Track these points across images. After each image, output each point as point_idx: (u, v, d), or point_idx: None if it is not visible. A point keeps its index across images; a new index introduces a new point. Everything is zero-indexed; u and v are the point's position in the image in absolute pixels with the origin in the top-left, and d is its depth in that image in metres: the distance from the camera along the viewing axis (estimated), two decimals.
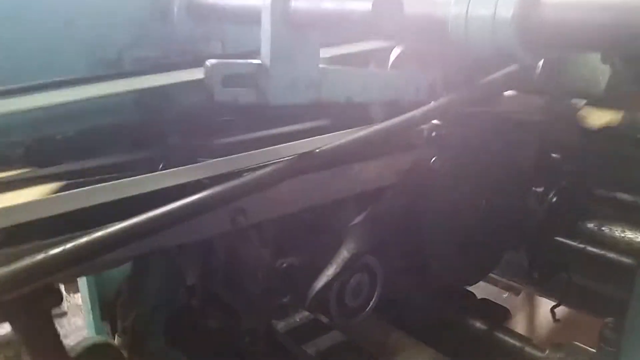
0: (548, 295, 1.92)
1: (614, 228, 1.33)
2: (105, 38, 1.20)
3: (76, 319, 3.19)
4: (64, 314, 3.18)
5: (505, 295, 2.96)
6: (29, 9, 1.13)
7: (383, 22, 0.78)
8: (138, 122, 1.21)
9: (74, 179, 0.99)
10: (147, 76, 1.08)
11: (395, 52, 1.24)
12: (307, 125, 1.36)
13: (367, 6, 0.78)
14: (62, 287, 3.28)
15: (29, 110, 0.99)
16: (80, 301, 2.79)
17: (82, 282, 2.39)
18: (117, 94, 1.05)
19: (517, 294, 2.62)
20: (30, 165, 1.07)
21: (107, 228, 0.77)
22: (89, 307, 2.40)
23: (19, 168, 1.07)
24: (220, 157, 1.11)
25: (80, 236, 0.75)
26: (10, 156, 1.09)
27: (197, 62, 0.95)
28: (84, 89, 1.03)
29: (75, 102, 1.03)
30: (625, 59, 1.23)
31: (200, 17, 1.21)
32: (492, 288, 2.88)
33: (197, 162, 1.07)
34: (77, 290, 2.72)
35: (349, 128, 1.19)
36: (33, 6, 1.13)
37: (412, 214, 1.37)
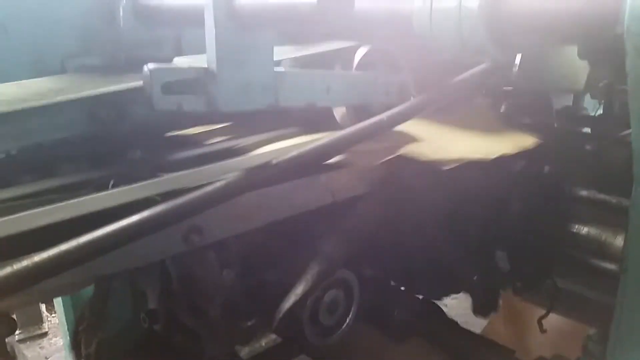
0: (533, 301, 1.85)
1: (597, 231, 1.26)
2: (46, 45, 1.11)
3: (57, 339, 3.10)
4: (44, 334, 3.11)
5: None
6: None
7: (330, 17, 0.70)
8: (87, 137, 1.12)
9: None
10: (96, 84, 0.99)
11: (361, 51, 1.17)
12: (273, 134, 1.29)
13: (313, 0, 0.70)
14: (43, 307, 3.23)
15: None
16: None
17: (57, 303, 2.31)
18: (62, 103, 0.96)
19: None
20: None
21: (47, 251, 0.70)
22: (66, 328, 2.33)
23: None
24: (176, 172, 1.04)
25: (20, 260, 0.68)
26: None
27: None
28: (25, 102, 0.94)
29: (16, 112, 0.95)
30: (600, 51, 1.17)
31: (147, 21, 1.13)
32: None
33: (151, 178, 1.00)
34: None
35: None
36: None
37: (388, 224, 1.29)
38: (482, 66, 1.10)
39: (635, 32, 0.75)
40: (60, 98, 0.90)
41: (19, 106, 0.95)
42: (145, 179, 0.98)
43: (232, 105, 0.88)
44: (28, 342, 3.03)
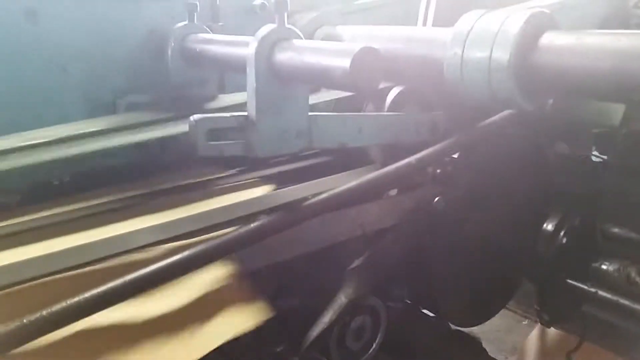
0: (565, 329, 1.84)
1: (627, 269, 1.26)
2: (99, 84, 1.20)
3: None
4: None
5: (524, 322, 2.88)
6: (24, 57, 1.15)
7: (360, 83, 0.75)
8: (135, 164, 1.20)
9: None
10: (145, 129, 1.08)
11: (394, 92, 1.21)
12: (306, 163, 1.34)
13: (346, 64, 0.75)
14: None
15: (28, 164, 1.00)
16: None
17: None
18: (116, 147, 1.05)
19: (536, 320, 2.53)
20: (28, 212, 1.09)
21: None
22: None
23: (17, 216, 1.08)
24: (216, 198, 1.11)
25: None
26: (8, 203, 1.10)
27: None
28: (83, 145, 1.03)
29: (74, 156, 1.04)
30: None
31: (193, 63, 1.21)
32: (510, 315, 2.81)
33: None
34: None
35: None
36: (28, 54, 1.15)
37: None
38: (511, 111, 1.12)
39: None
40: (110, 144, 0.98)
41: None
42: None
43: (268, 151, 0.94)
44: None
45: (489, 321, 2.31)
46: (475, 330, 1.66)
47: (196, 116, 0.86)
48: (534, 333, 2.53)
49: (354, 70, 0.75)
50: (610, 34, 0.89)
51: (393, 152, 1.22)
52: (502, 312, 2.33)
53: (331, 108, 1.27)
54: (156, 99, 1.23)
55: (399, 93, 1.20)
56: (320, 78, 0.80)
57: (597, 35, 0.90)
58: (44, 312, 0.73)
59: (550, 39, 0.94)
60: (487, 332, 3.13)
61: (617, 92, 0.87)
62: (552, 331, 2.33)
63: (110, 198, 1.05)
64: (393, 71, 1.24)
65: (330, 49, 0.81)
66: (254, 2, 1.42)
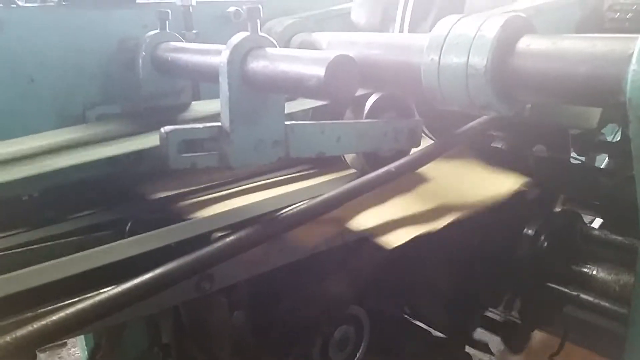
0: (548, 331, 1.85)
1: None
2: (69, 95, 1.17)
3: (75, 349, 3.18)
4: (63, 344, 3.18)
5: None
6: None
7: (335, 92, 0.73)
8: (107, 179, 1.17)
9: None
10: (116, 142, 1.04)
11: (372, 99, 1.19)
12: (286, 172, 1.32)
13: (320, 72, 0.73)
14: None
15: None
16: None
17: None
18: (87, 162, 1.01)
19: None
20: None
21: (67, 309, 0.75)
22: (84, 343, 2.40)
23: None
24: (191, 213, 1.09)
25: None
26: None
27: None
28: (52, 160, 1.00)
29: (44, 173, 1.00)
30: None
31: (165, 72, 1.18)
32: None
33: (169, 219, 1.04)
34: None
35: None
36: None
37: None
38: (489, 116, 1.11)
39: (637, 104, 0.76)
40: (81, 159, 0.95)
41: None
42: (162, 221, 1.02)
43: (243, 161, 0.92)
44: (47, 352, 3.11)
45: None
46: None
47: (167, 128, 0.84)
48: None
49: (328, 78, 0.73)
50: (586, 38, 0.89)
51: (373, 158, 1.21)
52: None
53: (309, 116, 1.25)
54: (127, 110, 1.20)
55: (377, 100, 1.19)
56: (294, 87, 0.78)
57: (573, 40, 0.89)
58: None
59: (527, 43, 0.93)
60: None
61: (593, 96, 0.86)
62: (535, 333, 2.34)
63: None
64: (371, 78, 1.22)
65: (304, 57, 0.79)
66: (228, 10, 1.40)
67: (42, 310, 0.80)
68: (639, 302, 0.93)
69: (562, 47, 0.89)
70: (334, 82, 0.74)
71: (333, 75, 0.74)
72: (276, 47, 0.91)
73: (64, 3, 1.21)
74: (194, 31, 1.32)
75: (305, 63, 0.78)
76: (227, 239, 0.90)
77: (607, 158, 2.14)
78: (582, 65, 0.85)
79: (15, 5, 1.15)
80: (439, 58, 1.00)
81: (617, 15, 1.20)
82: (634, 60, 0.76)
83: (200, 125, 0.88)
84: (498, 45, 0.92)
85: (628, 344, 0.96)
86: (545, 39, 0.93)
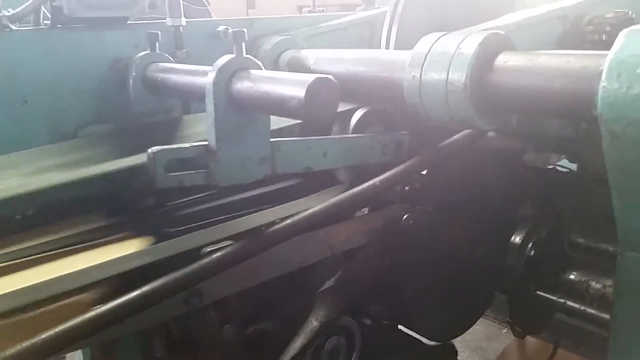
0: (542, 337, 1.86)
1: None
2: (62, 114, 1.20)
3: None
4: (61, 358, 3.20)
5: (504, 331, 2.90)
6: None
7: (316, 113, 0.76)
8: (102, 194, 1.19)
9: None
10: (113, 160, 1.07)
11: (358, 114, 1.22)
12: (273, 187, 1.34)
13: (301, 94, 0.76)
14: None
15: None
16: None
17: None
18: (79, 180, 1.04)
19: None
20: None
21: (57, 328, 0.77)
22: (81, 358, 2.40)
23: None
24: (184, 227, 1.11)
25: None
26: None
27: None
28: (46, 179, 1.02)
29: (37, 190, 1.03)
30: None
31: (155, 92, 1.21)
32: (491, 323, 2.83)
33: (160, 234, 1.06)
34: None
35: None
36: None
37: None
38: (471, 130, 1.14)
39: (608, 118, 0.79)
40: (74, 176, 0.98)
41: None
42: (152, 237, 1.05)
43: (230, 179, 0.94)
44: None
45: (471, 330, 2.32)
46: (457, 339, 1.67)
47: (154, 148, 0.86)
48: (513, 341, 2.55)
49: (308, 100, 0.76)
50: (561, 54, 0.92)
51: (360, 172, 1.24)
52: (484, 321, 2.35)
53: (297, 132, 1.28)
54: (119, 129, 1.23)
55: (363, 115, 1.21)
56: (276, 108, 0.81)
57: (548, 56, 0.92)
58: None
59: (505, 60, 0.96)
60: (470, 340, 3.16)
61: (568, 111, 0.89)
62: (530, 339, 2.35)
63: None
64: (357, 93, 1.25)
65: (286, 79, 0.82)
66: (218, 29, 1.43)
67: None
68: (619, 309, 0.95)
69: (538, 63, 0.92)
70: (314, 103, 0.76)
71: (313, 96, 0.77)
72: (261, 68, 0.93)
73: (59, 26, 1.24)
74: (184, 50, 1.35)
75: (286, 85, 0.81)
76: (215, 255, 0.93)
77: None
78: (557, 81, 0.88)
79: (8, 29, 1.18)
80: (420, 75, 1.03)
81: (596, 29, 1.23)
82: (603, 77, 0.79)
83: (187, 145, 0.91)
84: (476, 62, 0.95)
85: (610, 351, 0.98)
86: (522, 56, 0.96)
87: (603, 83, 0.78)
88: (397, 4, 1.35)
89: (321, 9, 2.85)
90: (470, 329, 2.15)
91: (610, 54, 0.79)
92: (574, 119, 1.10)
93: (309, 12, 2.44)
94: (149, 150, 0.86)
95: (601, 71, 0.80)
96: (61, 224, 1.08)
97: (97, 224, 1.12)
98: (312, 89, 0.77)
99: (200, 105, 1.33)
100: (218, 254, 0.94)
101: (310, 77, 0.78)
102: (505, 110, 0.98)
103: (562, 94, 0.87)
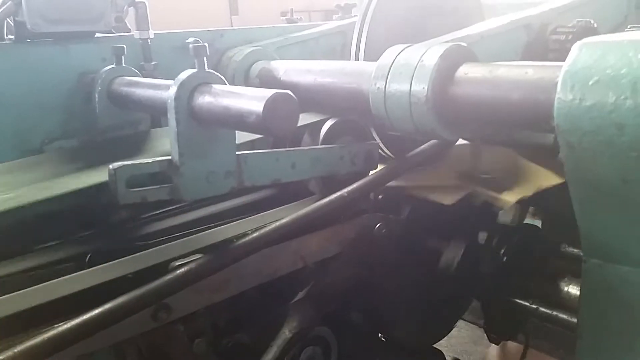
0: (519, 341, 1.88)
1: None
2: (28, 129, 1.19)
3: None
4: None
5: None
6: None
7: (275, 128, 0.76)
8: (72, 210, 1.18)
9: None
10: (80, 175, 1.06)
11: (327, 125, 1.23)
12: (248, 198, 1.35)
13: (259, 108, 0.76)
14: None
15: None
16: None
17: None
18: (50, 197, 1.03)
19: None
20: None
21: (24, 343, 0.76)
22: None
23: None
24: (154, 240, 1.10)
25: None
26: None
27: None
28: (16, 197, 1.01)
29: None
30: None
31: (120, 105, 1.20)
32: (475, 327, 2.85)
33: (129, 249, 1.06)
34: None
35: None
36: None
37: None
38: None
39: (564, 129, 0.80)
40: (42, 194, 0.97)
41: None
42: (121, 252, 1.04)
43: (194, 194, 0.94)
44: None
45: (456, 334, 2.33)
46: (442, 342, 1.68)
47: (115, 164, 0.86)
48: (495, 346, 2.57)
49: (266, 115, 0.76)
50: (519, 65, 0.93)
51: (331, 183, 1.24)
52: (469, 324, 2.36)
53: (269, 144, 1.28)
54: (86, 143, 1.22)
55: (332, 125, 1.22)
56: (236, 122, 0.81)
57: (507, 67, 0.94)
58: None
59: (465, 71, 0.98)
60: (455, 344, 3.18)
61: (527, 121, 0.90)
62: (512, 344, 2.37)
63: None
64: (325, 104, 1.26)
65: (246, 94, 0.82)
66: (187, 40, 1.43)
67: None
68: (585, 314, 0.96)
69: (497, 74, 0.93)
70: (273, 118, 0.77)
71: (271, 111, 0.77)
72: (225, 83, 0.94)
73: (28, 40, 1.23)
74: (153, 62, 1.35)
75: (246, 99, 0.81)
76: (182, 269, 0.92)
77: None
78: (515, 92, 0.89)
79: None
80: (385, 86, 1.04)
81: (559, 38, 1.26)
82: (558, 88, 0.80)
83: (149, 160, 0.90)
84: (438, 74, 0.97)
85: (578, 354, 0.99)
86: (482, 67, 0.97)
87: (558, 94, 0.80)
88: (365, 15, 1.36)
89: (299, 17, 2.86)
90: (456, 332, 2.17)
91: (565, 65, 0.80)
92: (533, 130, 1.12)
93: (287, 20, 2.45)
94: (110, 167, 0.86)
95: (557, 83, 0.81)
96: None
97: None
98: (270, 104, 0.77)
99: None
100: (186, 267, 0.94)
101: (268, 93, 0.78)
102: (467, 121, 0.99)
103: (521, 105, 0.88)
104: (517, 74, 0.91)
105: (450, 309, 1.57)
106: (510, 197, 1.22)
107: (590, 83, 0.77)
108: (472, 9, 1.58)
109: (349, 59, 1.41)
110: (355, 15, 2.04)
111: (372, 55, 1.40)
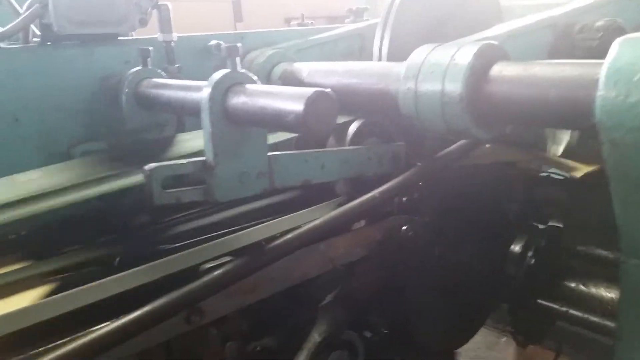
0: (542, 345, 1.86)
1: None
2: (53, 132, 1.18)
3: None
4: None
5: (503, 340, 2.89)
6: None
7: (315, 127, 0.75)
8: (96, 214, 1.17)
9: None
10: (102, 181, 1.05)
11: (354, 126, 1.22)
12: (271, 200, 1.33)
13: (299, 108, 0.75)
14: None
15: None
16: None
17: None
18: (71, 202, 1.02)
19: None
20: None
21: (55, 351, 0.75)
22: None
23: None
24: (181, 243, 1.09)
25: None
26: None
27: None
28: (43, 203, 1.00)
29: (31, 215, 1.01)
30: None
31: (148, 107, 1.19)
32: (489, 332, 2.83)
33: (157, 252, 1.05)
34: None
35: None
36: None
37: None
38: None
39: (607, 126, 0.79)
40: (67, 199, 0.96)
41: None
42: (150, 255, 1.03)
43: (228, 194, 0.93)
44: None
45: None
46: None
47: (151, 165, 0.85)
48: (513, 350, 2.54)
49: (307, 114, 0.75)
50: (555, 64, 0.92)
51: (357, 184, 1.23)
52: (482, 329, 2.34)
53: (293, 145, 1.27)
54: (112, 146, 1.21)
55: (359, 126, 1.21)
56: (273, 122, 0.80)
57: (543, 66, 0.93)
58: None
59: (500, 70, 0.96)
60: (468, 349, 3.14)
61: (565, 120, 0.89)
62: (530, 347, 2.35)
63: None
64: (351, 105, 1.25)
65: (283, 93, 0.82)
66: (209, 43, 1.43)
67: (32, 352, 0.80)
68: (625, 317, 0.94)
69: (533, 72, 0.92)
70: (313, 116, 0.76)
71: (312, 110, 0.76)
72: (256, 82, 0.93)
73: (48, 43, 1.23)
74: (177, 65, 1.34)
75: (284, 99, 0.80)
76: (216, 272, 0.91)
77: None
78: (553, 90, 0.88)
79: None
80: (415, 86, 1.03)
81: (587, 37, 1.25)
82: (601, 85, 0.79)
83: (184, 161, 0.89)
84: (472, 72, 0.96)
85: (616, 358, 0.97)
86: (517, 65, 0.96)
87: (600, 91, 0.79)
88: (387, 16, 1.36)
89: (310, 21, 2.86)
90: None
91: (606, 62, 0.79)
92: (570, 128, 1.11)
93: (299, 24, 2.44)
94: (146, 167, 0.85)
95: (597, 80, 0.80)
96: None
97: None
98: (311, 103, 0.76)
99: (194, 120, 1.33)
100: (220, 270, 0.93)
101: (308, 91, 0.77)
102: (502, 120, 0.98)
103: (559, 103, 0.87)
104: (553, 71, 0.90)
105: (476, 311, 1.56)
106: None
107: (635, 79, 0.76)
108: (491, 11, 1.58)
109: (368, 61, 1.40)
110: (367, 19, 2.03)
111: (395, 56, 1.40)
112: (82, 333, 0.82)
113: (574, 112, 0.85)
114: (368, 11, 2.23)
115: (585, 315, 1.26)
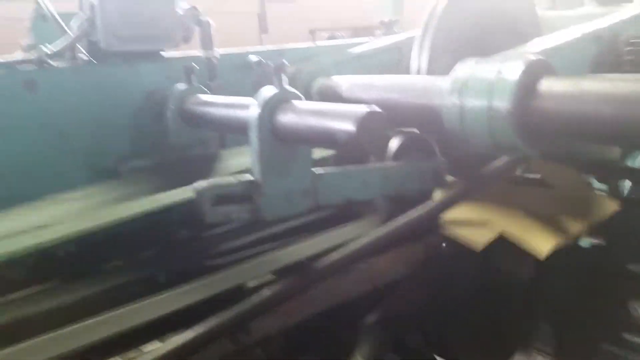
0: None
1: None
2: (100, 148, 1.20)
3: None
4: None
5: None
6: (23, 126, 1.15)
7: (367, 146, 0.75)
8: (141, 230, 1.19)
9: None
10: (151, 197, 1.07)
11: (395, 142, 1.21)
12: (310, 218, 1.33)
13: (352, 127, 0.75)
14: None
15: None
16: None
17: None
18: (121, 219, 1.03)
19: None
20: (34, 283, 1.07)
21: None
22: None
23: (22, 288, 1.06)
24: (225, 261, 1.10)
25: None
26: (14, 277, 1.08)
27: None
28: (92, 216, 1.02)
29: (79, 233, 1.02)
30: None
31: (193, 123, 1.21)
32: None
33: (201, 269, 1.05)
34: None
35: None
36: (27, 122, 1.15)
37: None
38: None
39: None
40: (116, 215, 0.97)
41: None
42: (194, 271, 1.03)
43: (275, 213, 0.93)
44: None
45: None
46: None
47: (201, 183, 0.86)
48: None
49: (360, 133, 0.75)
50: (607, 79, 0.90)
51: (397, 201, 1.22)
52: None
53: (331, 161, 1.27)
54: (158, 162, 1.22)
55: (400, 142, 1.20)
56: (323, 140, 0.80)
57: (594, 81, 0.91)
58: None
59: (549, 85, 0.95)
60: None
61: (620, 138, 0.87)
62: None
63: None
64: (391, 120, 1.24)
65: (333, 111, 0.82)
66: (249, 58, 1.44)
67: None
68: None
69: (584, 88, 0.90)
70: (365, 135, 0.76)
71: (363, 128, 0.76)
72: (302, 99, 0.93)
73: (94, 61, 1.25)
74: (219, 82, 1.36)
75: (334, 117, 0.80)
76: (265, 292, 0.91)
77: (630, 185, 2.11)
78: (606, 106, 0.86)
79: (47, 66, 1.19)
80: (461, 101, 1.02)
81: (635, 50, 1.22)
82: None
83: (233, 179, 0.90)
84: (520, 88, 0.94)
85: None
86: (566, 80, 0.94)
87: None
88: (426, 29, 1.35)
89: (341, 34, 2.87)
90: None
91: None
92: (628, 147, 1.08)
93: (329, 37, 2.45)
94: (196, 185, 0.85)
95: None
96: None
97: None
98: (363, 122, 0.76)
99: (237, 137, 1.34)
100: (269, 290, 0.93)
101: (359, 109, 0.77)
102: (549, 136, 0.96)
103: (612, 120, 0.85)
104: (606, 87, 0.88)
105: (515, 332, 1.52)
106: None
107: None
108: (530, 22, 1.56)
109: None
110: (400, 32, 2.03)
111: (434, 70, 1.39)
112: (133, 353, 0.83)
113: (632, 130, 0.83)
114: (399, 23, 2.23)
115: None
